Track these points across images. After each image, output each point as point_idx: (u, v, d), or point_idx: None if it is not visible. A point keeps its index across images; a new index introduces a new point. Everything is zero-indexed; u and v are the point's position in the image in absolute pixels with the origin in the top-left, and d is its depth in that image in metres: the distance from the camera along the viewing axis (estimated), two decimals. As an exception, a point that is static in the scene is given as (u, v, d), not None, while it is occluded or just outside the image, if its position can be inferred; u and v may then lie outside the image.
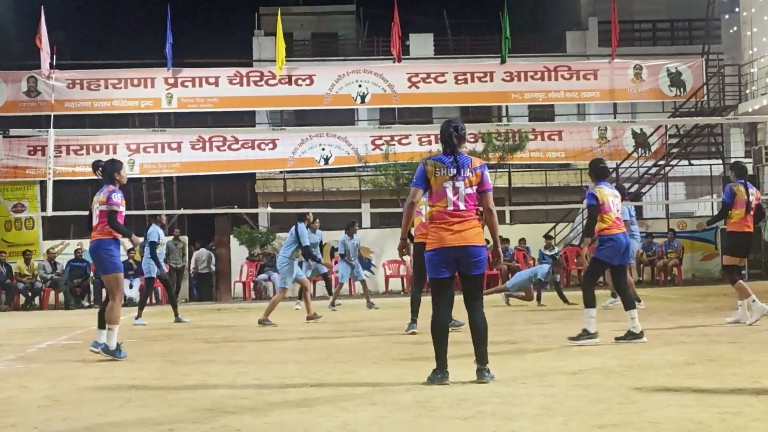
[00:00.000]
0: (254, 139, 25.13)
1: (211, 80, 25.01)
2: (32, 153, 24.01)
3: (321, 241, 18.16)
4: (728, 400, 5.41)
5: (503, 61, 25.25)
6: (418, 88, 25.30)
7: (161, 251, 15.09)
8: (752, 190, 10.91)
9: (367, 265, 23.17)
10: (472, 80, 25.39)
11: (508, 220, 24.66)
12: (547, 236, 22.26)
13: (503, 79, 25.40)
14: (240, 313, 17.31)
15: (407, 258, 6.38)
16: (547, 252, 20.50)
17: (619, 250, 9.07)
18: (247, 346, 10.13)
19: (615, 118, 26.77)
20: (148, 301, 16.24)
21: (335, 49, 31.43)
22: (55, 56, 23.99)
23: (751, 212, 10.80)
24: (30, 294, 21.82)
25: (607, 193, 9.16)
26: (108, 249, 8.71)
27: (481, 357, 6.47)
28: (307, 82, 25.24)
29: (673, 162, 24.97)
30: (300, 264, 14.62)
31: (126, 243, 21.54)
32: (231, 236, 23.52)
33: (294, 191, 27.67)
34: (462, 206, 6.51)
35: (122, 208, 8.91)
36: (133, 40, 34.95)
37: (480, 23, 32.39)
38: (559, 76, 25.53)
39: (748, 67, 24.71)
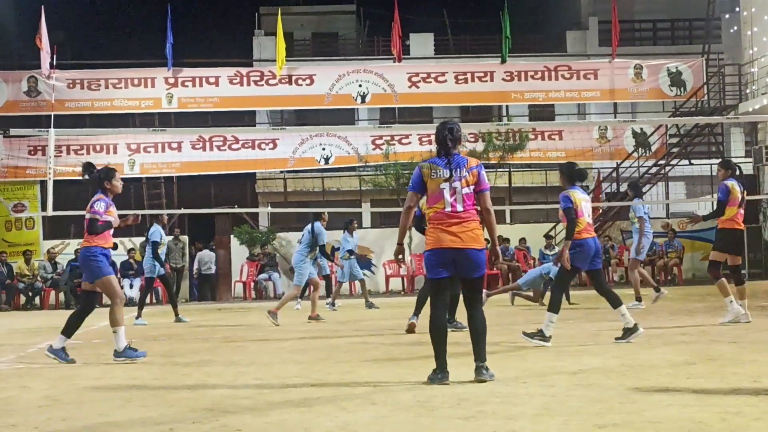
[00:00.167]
0: (254, 139, 25.14)
1: (212, 80, 25.02)
2: (32, 153, 24.01)
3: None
4: (728, 400, 5.41)
5: (503, 61, 25.25)
6: (418, 87, 25.30)
7: (162, 251, 15.09)
8: (741, 187, 10.92)
9: (367, 264, 23.19)
10: (473, 80, 25.40)
11: (508, 219, 24.66)
12: (547, 236, 22.24)
13: (503, 79, 25.40)
14: (240, 313, 17.30)
15: (404, 259, 6.40)
16: (548, 252, 20.49)
17: (589, 255, 9.08)
18: (248, 346, 10.12)
19: (615, 117, 26.80)
20: (147, 300, 16.25)
21: (335, 49, 31.45)
22: (55, 56, 24.01)
23: (742, 209, 10.83)
24: (30, 294, 21.83)
25: (580, 197, 9.15)
26: (93, 256, 8.56)
27: (480, 355, 6.47)
28: (308, 81, 25.24)
29: (674, 162, 24.97)
30: (314, 262, 14.60)
31: (126, 243, 21.73)
32: (231, 236, 23.52)
33: (294, 191, 27.68)
34: (459, 207, 6.51)
35: (109, 218, 8.66)
36: (134, 39, 35.01)
37: (480, 23, 32.41)
38: (559, 76, 25.53)
39: (748, 67, 24.71)
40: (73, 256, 22.08)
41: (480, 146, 23.63)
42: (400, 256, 6.82)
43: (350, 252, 16.87)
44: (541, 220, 24.67)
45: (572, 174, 9.31)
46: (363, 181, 25.28)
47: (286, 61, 24.88)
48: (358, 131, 25.54)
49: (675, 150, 25.00)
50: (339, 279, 17.58)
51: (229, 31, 36.49)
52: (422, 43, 29.75)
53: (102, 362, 8.62)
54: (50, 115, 23.54)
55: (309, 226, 13.97)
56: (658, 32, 31.68)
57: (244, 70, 25.46)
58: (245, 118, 27.72)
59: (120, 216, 9.15)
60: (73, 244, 22.97)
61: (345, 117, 27.42)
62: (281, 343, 10.17)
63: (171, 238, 20.94)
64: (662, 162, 24.94)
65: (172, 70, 24.67)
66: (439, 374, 6.38)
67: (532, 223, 24.67)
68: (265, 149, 25.19)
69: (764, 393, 5.63)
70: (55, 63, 24.11)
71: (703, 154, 25.76)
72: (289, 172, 26.69)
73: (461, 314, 9.85)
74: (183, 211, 22.50)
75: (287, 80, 25.11)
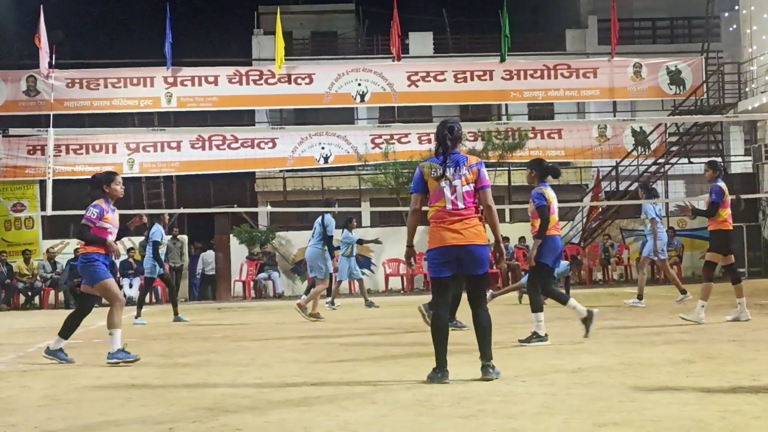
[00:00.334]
0: (254, 138, 25.13)
1: (211, 79, 25.00)
2: (32, 152, 24.00)
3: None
4: (728, 398, 5.41)
5: (503, 60, 25.25)
6: (417, 86, 25.29)
7: (162, 251, 15.08)
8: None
9: (366, 263, 23.20)
10: (472, 79, 25.39)
11: (508, 218, 24.66)
12: (547, 235, 22.21)
13: (503, 78, 25.40)
14: (240, 312, 17.31)
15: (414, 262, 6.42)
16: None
17: (556, 251, 9.11)
18: (248, 345, 10.12)
19: (615, 116, 26.80)
20: (147, 300, 16.25)
21: (335, 48, 31.45)
22: (54, 55, 24.00)
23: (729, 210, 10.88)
24: (30, 293, 21.83)
25: (552, 195, 9.17)
26: (90, 262, 8.48)
27: (486, 354, 6.49)
28: (307, 80, 25.23)
29: (673, 160, 24.98)
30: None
31: (125, 242, 21.70)
32: (231, 235, 23.52)
33: (294, 190, 27.67)
34: (461, 204, 6.52)
35: (106, 224, 8.52)
36: (133, 39, 34.95)
37: (479, 22, 32.40)
38: (558, 75, 25.53)
39: (747, 65, 24.71)
40: (73, 256, 22.08)
41: (479, 145, 23.64)
42: (411, 259, 6.82)
43: (360, 241, 17.03)
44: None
45: (543, 170, 9.30)
46: (362, 180, 25.28)
47: (286, 60, 24.88)
48: (357, 130, 25.53)
49: (674, 148, 25.00)
50: (338, 278, 17.58)
51: (229, 30, 36.46)
52: (421, 42, 29.75)
53: (102, 362, 8.61)
54: (49, 115, 23.54)
55: (319, 219, 14.04)
56: (657, 31, 31.68)
57: (243, 69, 25.46)
58: (244, 118, 27.73)
59: (125, 217, 9.05)
60: (73, 244, 22.97)
61: (344, 116, 27.43)
62: (281, 342, 10.17)
63: (170, 237, 20.95)
64: (662, 161, 24.95)
65: (172, 70, 24.66)
66: (439, 373, 6.38)
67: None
68: (264, 148, 25.19)
69: (764, 391, 5.63)
70: (54, 62, 24.11)
71: (703, 152, 25.74)
72: (288, 171, 26.68)
73: (461, 314, 9.87)
74: (182, 210, 22.49)
75: (286, 79, 25.09)
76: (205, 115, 26.08)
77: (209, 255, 23.85)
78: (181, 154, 24.92)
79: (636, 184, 24.49)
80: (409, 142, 24.94)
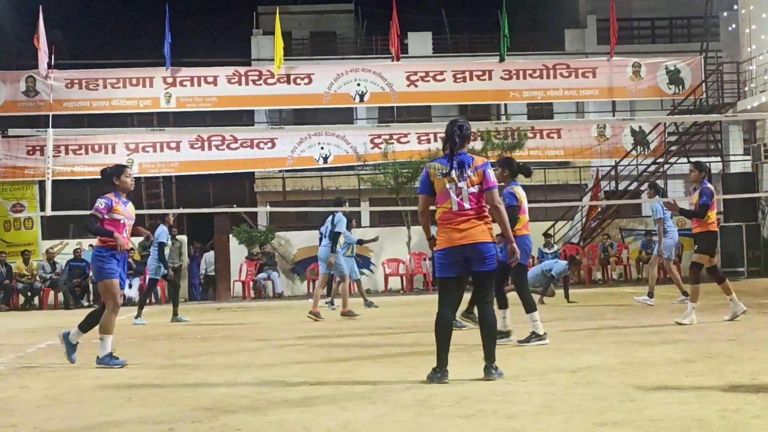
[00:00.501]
0: (253, 138, 25.13)
1: (210, 79, 25.00)
2: (31, 153, 23.99)
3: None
4: (728, 398, 5.41)
5: (502, 60, 25.25)
6: (416, 86, 25.30)
7: (167, 252, 15.06)
8: None
9: (366, 263, 23.20)
10: (471, 78, 25.40)
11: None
12: (546, 234, 22.25)
13: (502, 78, 25.41)
14: (240, 313, 17.30)
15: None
16: (547, 250, 20.51)
17: (528, 251, 9.16)
18: (247, 345, 10.12)
19: (614, 116, 26.81)
20: (147, 301, 16.23)
21: (334, 48, 31.45)
22: (53, 56, 23.98)
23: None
24: (29, 294, 21.82)
25: (523, 195, 9.18)
26: (100, 256, 8.42)
27: (490, 354, 6.50)
28: (306, 81, 25.23)
29: (672, 160, 24.98)
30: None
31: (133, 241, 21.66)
32: (230, 235, 23.52)
33: (293, 190, 27.67)
34: (467, 205, 6.54)
35: (117, 215, 8.45)
36: (132, 39, 34.97)
37: (478, 21, 32.44)
38: (557, 74, 25.54)
39: (746, 65, 24.71)
40: (72, 256, 22.12)
41: (479, 145, 23.62)
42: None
43: (359, 242, 17.10)
44: (540, 218, 24.66)
45: (515, 170, 9.31)
46: (362, 180, 25.28)
47: (285, 60, 24.88)
48: (356, 130, 25.53)
49: (673, 148, 25.01)
50: (338, 278, 17.53)
51: (228, 30, 36.51)
52: (420, 41, 29.74)
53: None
54: (48, 115, 23.50)
55: (330, 218, 14.06)
56: (656, 30, 31.68)
57: (242, 70, 25.46)
58: (244, 118, 27.72)
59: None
60: (72, 244, 23.01)
61: (343, 116, 27.43)
62: (281, 342, 10.17)
63: (168, 237, 20.90)
64: (661, 160, 24.95)
65: (171, 70, 24.66)
66: (439, 373, 6.39)
67: (531, 221, 24.58)
68: (263, 148, 25.19)
69: (763, 390, 5.63)
70: (53, 63, 24.10)
71: (702, 152, 25.76)
72: (287, 171, 26.69)
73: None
74: (182, 210, 22.46)
75: (285, 79, 25.10)
76: (205, 116, 26.08)
77: (212, 255, 23.84)
78: (180, 155, 24.91)
79: (635, 184, 24.54)
80: (408, 142, 24.94)
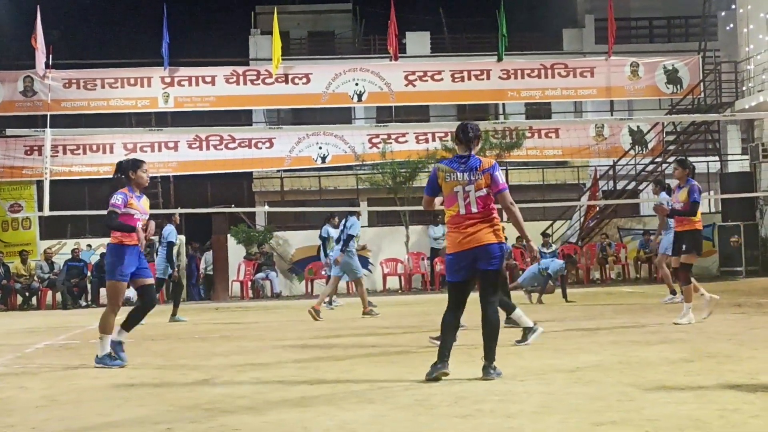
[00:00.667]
0: (251, 138, 25.12)
1: (208, 79, 24.99)
2: (29, 153, 23.98)
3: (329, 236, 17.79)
4: (726, 397, 5.41)
5: (500, 59, 25.25)
6: (414, 86, 25.29)
7: (175, 251, 15.06)
8: None
9: (364, 263, 23.16)
10: (469, 78, 25.40)
11: (504, 217, 24.65)
12: (544, 234, 22.25)
13: (500, 77, 25.41)
14: (238, 312, 17.30)
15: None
16: (545, 250, 20.52)
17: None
18: (246, 345, 10.11)
19: (612, 115, 26.82)
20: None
21: (332, 48, 31.45)
22: (51, 56, 23.97)
23: None
24: (27, 294, 21.80)
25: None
26: (112, 253, 8.31)
27: (489, 354, 6.51)
28: (304, 80, 25.23)
29: (670, 159, 24.95)
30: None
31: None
32: (228, 235, 23.50)
33: (291, 190, 27.68)
34: (474, 209, 6.58)
35: (132, 210, 8.29)
36: (130, 39, 34.94)
37: (476, 21, 32.43)
38: (555, 74, 25.53)
39: (744, 64, 24.72)
40: (70, 256, 22.10)
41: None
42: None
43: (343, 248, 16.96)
44: (538, 218, 24.66)
45: None
46: (360, 179, 25.27)
47: (283, 60, 24.88)
48: (354, 130, 25.51)
49: (671, 147, 25.01)
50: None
51: (226, 30, 36.39)
52: (418, 41, 29.75)
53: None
54: (46, 115, 23.53)
55: (343, 222, 14.20)
56: (654, 30, 31.72)
57: (240, 69, 25.44)
58: (242, 118, 27.72)
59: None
60: (70, 244, 23.00)
61: (341, 116, 27.44)
62: (279, 342, 10.16)
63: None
64: (659, 159, 24.94)
65: (169, 70, 24.64)
66: (439, 364, 6.44)
67: (529, 221, 24.55)
68: (261, 148, 25.18)
69: (762, 390, 5.63)
70: (51, 63, 24.08)
71: (700, 151, 25.79)
72: (285, 171, 26.68)
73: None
74: (180, 210, 22.42)
75: (283, 79, 25.09)
76: (203, 115, 26.06)
77: (211, 255, 23.82)
78: (178, 155, 24.90)
79: (633, 183, 24.55)
80: (406, 141, 24.93)
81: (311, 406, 5.67)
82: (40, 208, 16.71)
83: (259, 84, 25.14)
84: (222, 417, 5.40)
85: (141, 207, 8.46)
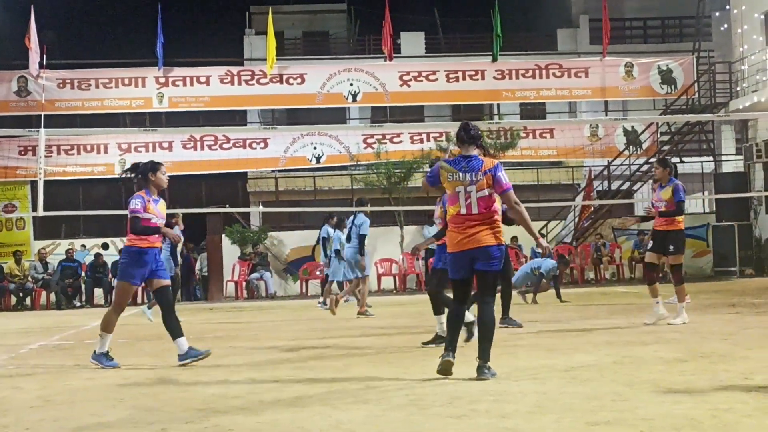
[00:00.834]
0: (246, 138, 25.10)
1: (202, 79, 24.96)
2: (23, 153, 23.93)
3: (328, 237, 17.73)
4: (720, 397, 5.42)
5: (494, 59, 25.27)
6: (409, 86, 25.29)
7: (178, 250, 15.08)
8: None
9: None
10: (464, 78, 25.41)
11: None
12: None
13: (495, 77, 25.42)
14: (232, 313, 17.28)
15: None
16: (539, 250, 20.51)
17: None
18: (240, 345, 10.11)
19: (606, 115, 26.85)
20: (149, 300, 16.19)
21: (326, 48, 31.46)
22: (45, 56, 23.93)
23: None
24: (21, 294, 21.75)
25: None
26: (125, 255, 8.28)
27: (484, 353, 6.52)
28: (299, 80, 25.21)
29: (663, 159, 24.99)
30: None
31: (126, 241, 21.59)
32: (223, 235, 23.48)
33: (286, 190, 27.66)
34: (475, 210, 6.61)
35: (148, 215, 8.20)
36: (124, 39, 34.93)
37: (471, 21, 32.46)
38: (550, 74, 25.55)
39: (738, 65, 24.77)
40: (64, 257, 22.06)
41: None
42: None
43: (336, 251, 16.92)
44: (532, 218, 24.55)
45: None
46: (354, 180, 25.26)
47: (277, 60, 24.85)
48: (349, 130, 25.53)
49: (666, 148, 25.04)
50: (331, 277, 17.48)
51: (220, 30, 36.41)
52: (413, 41, 29.75)
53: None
54: (40, 115, 23.46)
55: (352, 219, 14.14)
56: (648, 30, 31.77)
57: (234, 70, 25.42)
58: (236, 118, 27.69)
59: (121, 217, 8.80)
60: (64, 245, 22.95)
61: (336, 116, 27.42)
62: (273, 343, 10.16)
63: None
64: (653, 160, 24.94)
65: (163, 70, 24.62)
66: (446, 355, 6.53)
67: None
68: (256, 148, 25.16)
69: (755, 390, 5.64)
70: (45, 63, 24.03)
71: (694, 151, 25.84)
72: (280, 171, 26.67)
73: (518, 316, 9.85)
74: (174, 210, 22.38)
75: (278, 79, 25.07)
76: (197, 116, 26.03)
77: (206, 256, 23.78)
78: (172, 155, 24.82)
79: (627, 184, 24.58)
80: (401, 141, 24.93)
81: (306, 407, 5.66)
82: (35, 209, 16.69)
83: (253, 84, 25.12)
84: (216, 417, 5.39)
85: (158, 211, 8.40)
